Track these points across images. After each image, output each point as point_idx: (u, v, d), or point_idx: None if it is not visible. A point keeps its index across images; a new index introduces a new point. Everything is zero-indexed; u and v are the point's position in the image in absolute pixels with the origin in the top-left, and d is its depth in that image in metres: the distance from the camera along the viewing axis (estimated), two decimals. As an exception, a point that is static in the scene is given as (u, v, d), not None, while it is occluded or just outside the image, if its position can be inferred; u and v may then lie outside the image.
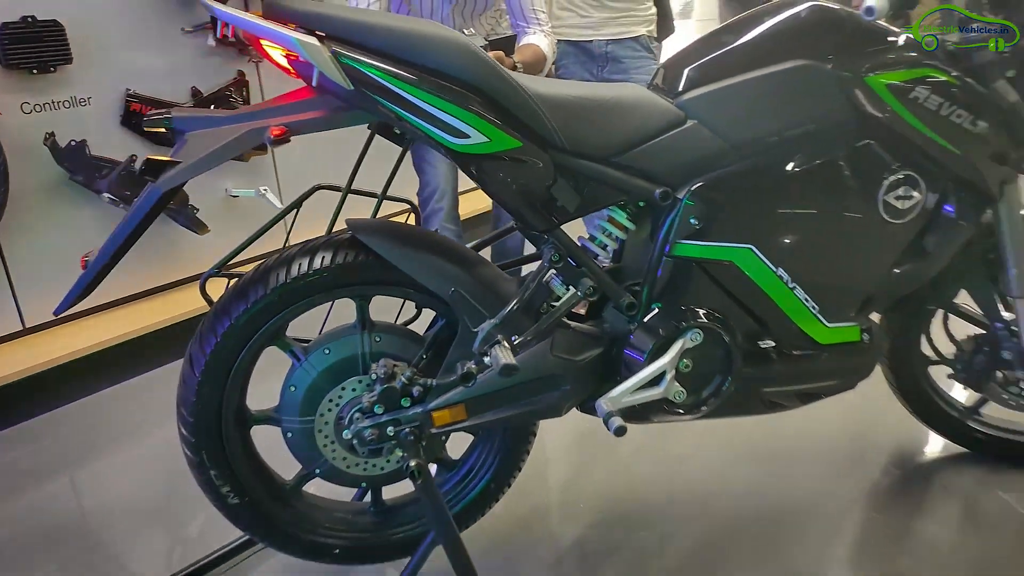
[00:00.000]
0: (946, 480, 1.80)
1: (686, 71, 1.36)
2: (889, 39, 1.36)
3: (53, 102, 2.50)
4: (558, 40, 2.62)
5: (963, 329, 1.72)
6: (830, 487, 1.79)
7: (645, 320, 1.39)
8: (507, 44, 2.43)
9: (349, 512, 1.55)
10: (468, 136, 1.19)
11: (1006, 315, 1.61)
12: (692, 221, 1.34)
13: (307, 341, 1.42)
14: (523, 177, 1.26)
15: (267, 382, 1.49)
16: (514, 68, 2.04)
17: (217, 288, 1.37)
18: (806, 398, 1.54)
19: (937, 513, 1.70)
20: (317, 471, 1.44)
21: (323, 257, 1.32)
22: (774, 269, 1.39)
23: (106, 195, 2.53)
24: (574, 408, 1.44)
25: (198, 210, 2.72)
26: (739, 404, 1.49)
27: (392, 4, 2.24)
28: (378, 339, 1.40)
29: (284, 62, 1.20)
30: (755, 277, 1.39)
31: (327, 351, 1.38)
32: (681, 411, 1.42)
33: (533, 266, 1.40)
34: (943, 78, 1.34)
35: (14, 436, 2.32)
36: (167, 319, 2.64)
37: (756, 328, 1.45)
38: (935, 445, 1.91)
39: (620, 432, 1.30)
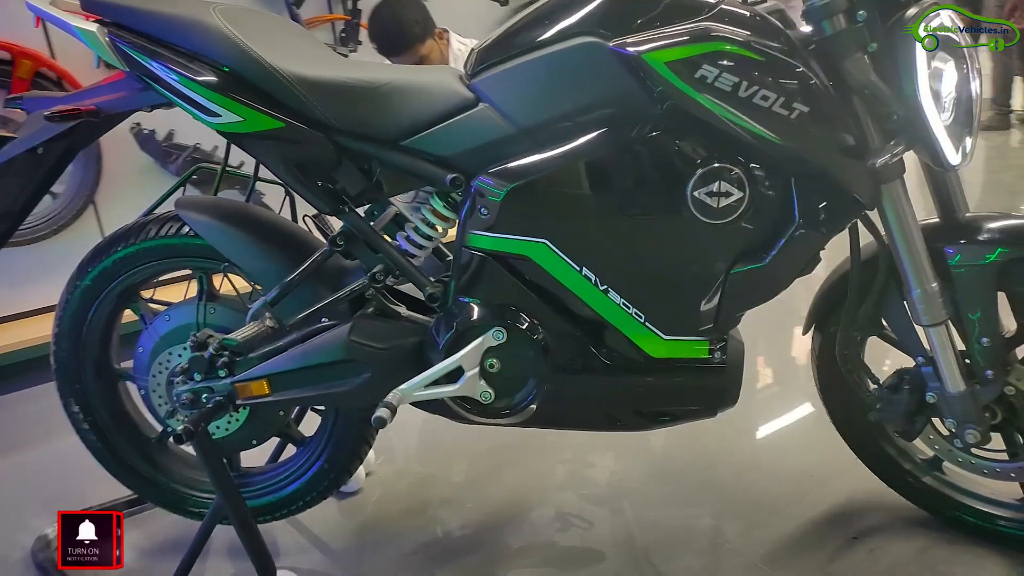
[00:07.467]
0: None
1: (478, 51, 1.27)
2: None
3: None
4: None
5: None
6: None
7: (446, 312, 1.33)
8: None
9: None
10: (219, 116, 1.21)
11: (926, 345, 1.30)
12: (482, 211, 1.25)
13: (166, 304, 1.53)
14: (295, 157, 1.26)
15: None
16: None
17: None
18: (651, 419, 1.36)
19: None
20: (169, 430, 1.55)
21: (151, 230, 1.43)
22: (577, 268, 1.25)
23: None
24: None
25: None
26: (576, 416, 1.38)
27: None
28: (212, 311, 1.47)
29: None
30: (557, 275, 1.26)
31: (167, 317, 1.48)
32: (494, 413, 1.33)
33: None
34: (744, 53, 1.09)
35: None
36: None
37: (578, 333, 1.31)
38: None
39: (378, 423, 1.24)
